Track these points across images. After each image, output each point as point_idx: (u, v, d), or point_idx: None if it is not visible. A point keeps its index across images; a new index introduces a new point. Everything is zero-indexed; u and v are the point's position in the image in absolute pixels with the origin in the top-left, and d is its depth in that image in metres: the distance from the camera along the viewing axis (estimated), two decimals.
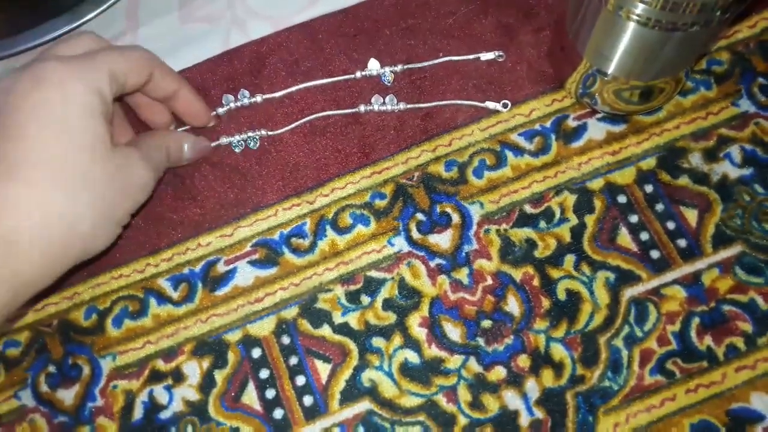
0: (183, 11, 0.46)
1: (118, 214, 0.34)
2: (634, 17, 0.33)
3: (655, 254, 0.39)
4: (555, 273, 0.39)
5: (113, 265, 0.41)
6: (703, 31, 0.34)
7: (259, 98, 0.44)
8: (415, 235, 0.40)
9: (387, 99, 0.42)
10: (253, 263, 0.40)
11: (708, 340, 0.37)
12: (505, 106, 0.42)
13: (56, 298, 0.41)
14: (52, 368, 0.40)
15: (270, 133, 0.42)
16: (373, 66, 0.43)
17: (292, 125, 0.42)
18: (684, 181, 0.40)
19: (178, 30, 0.45)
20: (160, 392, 0.39)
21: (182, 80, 0.39)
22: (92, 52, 0.34)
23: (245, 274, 0.40)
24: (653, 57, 0.37)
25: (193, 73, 0.44)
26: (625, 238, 0.39)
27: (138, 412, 0.39)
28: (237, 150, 0.42)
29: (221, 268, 0.40)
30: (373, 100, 0.42)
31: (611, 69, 0.38)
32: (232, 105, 0.44)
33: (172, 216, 0.42)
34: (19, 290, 0.31)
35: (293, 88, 0.44)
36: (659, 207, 0.40)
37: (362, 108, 0.42)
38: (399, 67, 0.43)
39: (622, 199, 0.40)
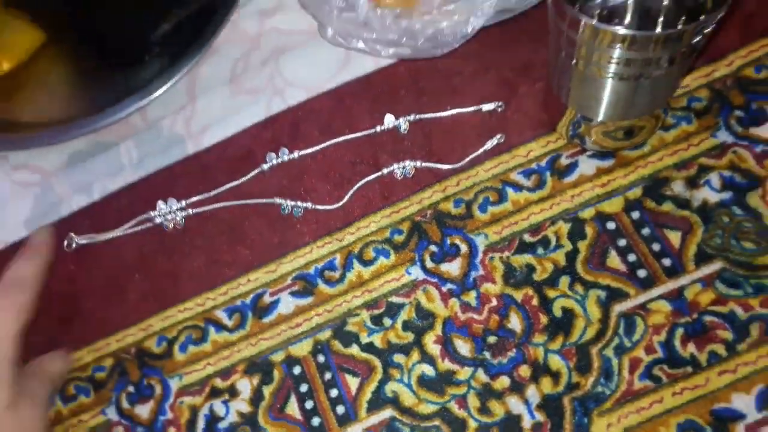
0: (232, 85, 0.53)
1: None
2: (602, 72, 0.38)
3: (641, 273, 0.43)
4: (551, 293, 0.43)
5: (180, 300, 0.48)
6: (667, 75, 0.39)
7: (296, 154, 0.50)
8: (429, 264, 0.46)
9: (406, 163, 0.48)
10: (293, 294, 0.47)
11: (691, 348, 0.41)
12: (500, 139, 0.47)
13: (134, 329, 0.48)
14: (131, 388, 0.47)
15: (313, 206, 0.48)
16: (389, 120, 0.50)
17: (343, 200, 0.49)
18: (668, 207, 0.44)
19: (228, 101, 0.53)
20: (218, 406, 0.45)
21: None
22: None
23: (287, 304, 0.46)
24: (628, 102, 0.41)
25: (241, 136, 0.52)
26: (614, 260, 0.44)
27: (201, 424, 0.45)
28: (284, 212, 0.49)
29: (267, 299, 0.47)
30: (395, 165, 0.48)
31: (593, 115, 0.43)
32: (275, 161, 0.51)
33: (226, 258, 0.49)
34: None
35: (324, 144, 0.50)
36: (645, 231, 0.44)
37: (385, 171, 0.48)
38: (412, 117, 0.49)
39: (611, 225, 0.44)
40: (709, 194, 0.44)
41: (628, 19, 0.43)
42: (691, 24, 0.34)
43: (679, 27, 0.34)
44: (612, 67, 0.37)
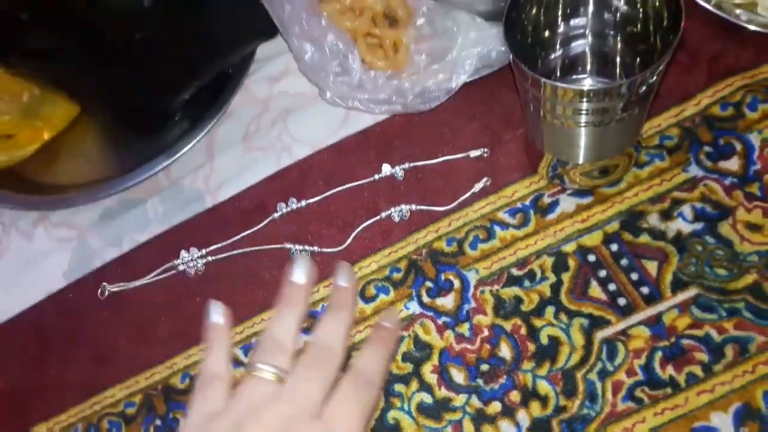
0: (245, 143, 0.59)
1: None
2: (568, 123, 0.42)
3: (621, 301, 0.46)
4: (538, 322, 0.46)
5: (201, 339, 0.53)
6: (628, 118, 0.42)
7: (303, 203, 0.55)
8: (425, 299, 0.49)
9: (402, 207, 0.52)
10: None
11: (670, 370, 0.43)
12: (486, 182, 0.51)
13: (160, 368, 0.53)
14: (158, 422, 0.51)
15: (319, 250, 0.53)
16: (386, 169, 0.54)
17: (345, 243, 0.53)
18: (644, 238, 0.47)
19: (242, 158, 0.58)
20: None
21: None
22: None
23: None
24: (598, 146, 0.45)
25: (254, 189, 0.57)
26: (595, 289, 0.47)
27: None
28: (293, 256, 0.53)
29: None
30: (392, 209, 0.52)
31: (568, 159, 0.46)
32: (284, 210, 0.55)
33: (243, 300, 0.53)
34: None
35: (328, 193, 0.55)
36: (624, 262, 0.47)
37: (383, 215, 0.52)
38: (406, 165, 0.54)
39: (591, 258, 0.48)
40: (682, 225, 0.47)
41: (588, 66, 0.47)
42: (640, 74, 0.38)
43: (626, 80, 0.38)
44: (576, 118, 0.41)
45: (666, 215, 0.48)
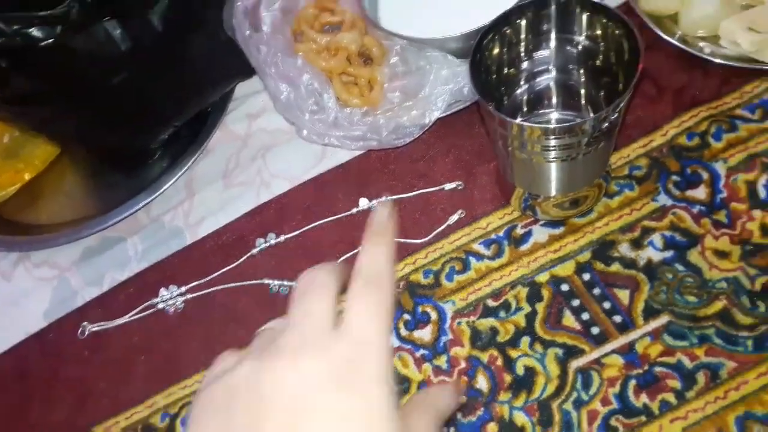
0: (225, 180, 0.59)
1: None
2: (536, 158, 0.43)
3: (595, 330, 0.46)
4: (514, 353, 0.47)
5: (181, 377, 0.52)
6: (595, 152, 0.43)
7: (282, 238, 0.55)
8: (403, 332, 0.49)
9: None
10: None
11: (644, 398, 0.43)
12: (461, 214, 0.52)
13: (141, 407, 0.52)
14: None
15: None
16: (364, 203, 0.55)
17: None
18: (615, 267, 0.48)
19: (222, 194, 0.59)
20: None
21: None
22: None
23: None
24: (567, 179, 0.46)
25: (234, 225, 0.57)
26: (569, 319, 0.47)
27: None
28: (272, 292, 0.53)
29: None
30: None
31: (538, 192, 0.47)
32: (263, 245, 0.55)
33: (222, 337, 0.53)
34: None
35: (307, 227, 0.55)
36: (596, 291, 0.47)
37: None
38: (383, 198, 0.54)
39: (564, 287, 0.48)
40: (653, 254, 0.48)
41: (554, 100, 0.48)
42: (602, 111, 0.39)
43: (589, 118, 0.39)
44: (544, 153, 0.42)
45: (636, 244, 0.48)
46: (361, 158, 0.57)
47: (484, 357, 0.47)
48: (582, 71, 0.46)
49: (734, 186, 0.48)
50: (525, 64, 0.46)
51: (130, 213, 0.60)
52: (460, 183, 0.53)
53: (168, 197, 0.60)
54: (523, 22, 0.43)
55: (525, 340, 0.47)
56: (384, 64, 0.56)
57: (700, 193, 0.49)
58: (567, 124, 0.40)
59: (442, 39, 0.52)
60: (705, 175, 0.49)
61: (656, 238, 0.48)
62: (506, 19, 0.42)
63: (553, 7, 0.43)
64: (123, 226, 0.60)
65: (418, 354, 0.48)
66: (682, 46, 0.53)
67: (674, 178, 0.50)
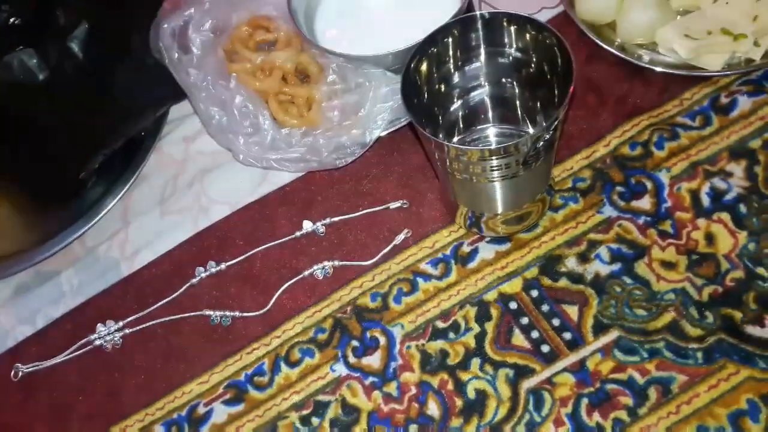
0: (161, 207, 0.56)
1: None
2: (476, 179, 0.41)
3: (545, 348, 0.45)
4: (464, 376, 0.45)
5: (121, 417, 0.49)
6: (530, 173, 0.42)
7: (223, 266, 0.53)
8: (352, 359, 0.47)
9: (325, 264, 0.50)
10: (225, 402, 0.48)
11: (597, 417, 0.42)
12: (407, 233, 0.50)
13: None
14: None
15: (240, 314, 0.50)
16: (307, 225, 0.52)
17: (267, 306, 0.51)
18: (563, 282, 0.47)
19: (158, 222, 0.56)
20: None
21: None
22: None
23: (220, 413, 0.48)
24: (508, 197, 0.44)
25: (172, 254, 0.54)
26: (519, 337, 0.45)
27: None
28: (213, 323, 0.51)
29: (201, 410, 0.48)
30: (315, 266, 0.50)
31: (480, 210, 0.46)
32: (203, 275, 0.53)
33: (162, 373, 0.50)
34: None
35: (248, 254, 0.53)
36: (545, 307, 0.46)
37: (306, 273, 0.50)
38: (327, 220, 0.52)
39: (513, 305, 0.46)
40: (600, 267, 0.46)
41: (490, 114, 0.47)
42: (536, 130, 0.37)
43: (525, 137, 0.37)
44: (485, 174, 0.40)
45: (583, 258, 0.47)
46: (304, 179, 0.55)
47: (435, 381, 0.45)
48: (515, 83, 0.45)
49: (678, 195, 0.48)
50: (456, 80, 0.45)
51: (64, 245, 0.56)
52: (405, 201, 0.52)
53: (103, 227, 0.57)
54: (450, 40, 0.42)
55: (475, 362, 0.45)
56: (322, 81, 0.53)
57: (645, 203, 0.48)
58: (502, 145, 0.38)
59: (378, 56, 0.50)
60: (649, 185, 0.48)
61: (603, 251, 0.47)
62: (433, 38, 0.41)
63: (480, 23, 0.42)
64: (57, 260, 0.56)
65: (367, 382, 0.46)
66: (621, 55, 0.52)
67: (619, 189, 0.49)
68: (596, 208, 0.48)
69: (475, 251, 0.49)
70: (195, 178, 0.57)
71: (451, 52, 0.42)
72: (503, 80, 0.45)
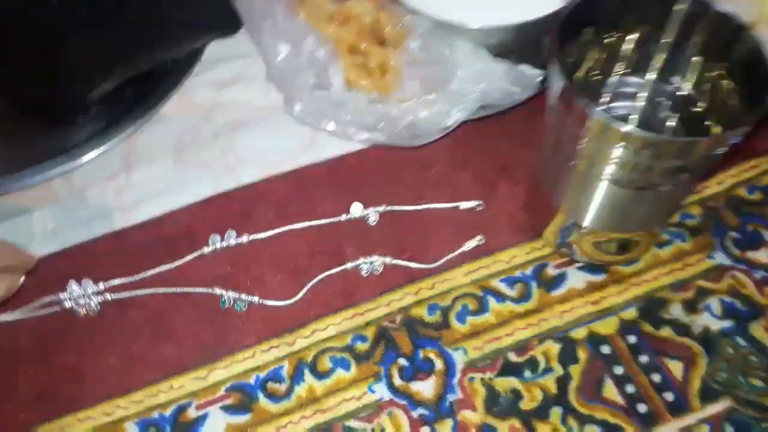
0: (176, 156, 0.45)
1: None
2: (605, 177, 0.33)
3: (642, 408, 0.36)
4: (541, 427, 0.35)
5: (82, 405, 0.37)
6: (673, 190, 0.33)
7: (245, 239, 0.42)
8: (397, 381, 0.37)
9: (374, 259, 0.40)
10: (226, 409, 0.37)
11: None
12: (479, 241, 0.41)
13: None
14: None
15: (260, 301, 0.39)
16: (356, 209, 0.42)
17: (297, 296, 0.40)
18: (666, 332, 0.38)
19: (170, 174, 0.44)
20: None
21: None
22: None
23: (216, 421, 0.36)
24: (627, 213, 0.36)
25: (182, 213, 0.43)
26: (610, 390, 0.36)
27: None
28: (224, 306, 0.40)
29: (192, 413, 0.36)
30: (361, 260, 0.40)
31: (587, 222, 0.37)
32: (218, 245, 0.42)
33: (147, 357, 0.38)
34: None
35: (280, 230, 0.42)
36: (644, 358, 0.37)
37: (349, 265, 0.40)
38: (382, 208, 0.42)
39: (605, 349, 0.37)
40: (710, 321, 0.38)
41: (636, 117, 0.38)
42: (722, 131, 0.29)
43: (708, 137, 0.29)
44: (616, 172, 0.32)
45: (691, 307, 0.39)
46: (358, 155, 0.45)
47: (503, 427, 0.35)
48: (671, 113, 0.37)
49: None
50: (613, 82, 0.36)
51: (42, 179, 0.45)
52: (479, 202, 0.42)
53: (96, 167, 0.45)
54: (634, 36, 0.34)
55: (556, 412, 0.36)
56: (401, 47, 0.44)
57: (763, 255, 0.40)
58: (677, 138, 0.30)
59: (485, 29, 0.42)
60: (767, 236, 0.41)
61: (714, 303, 0.39)
62: (614, 23, 0.33)
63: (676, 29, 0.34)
64: (31, 195, 0.44)
65: (415, 414, 0.36)
66: None
67: (733, 234, 0.41)
68: (707, 252, 0.40)
69: (562, 277, 0.40)
70: (223, 131, 0.46)
71: (626, 47, 0.34)
72: (661, 103, 0.37)
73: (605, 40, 0.35)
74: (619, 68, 0.37)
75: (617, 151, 0.30)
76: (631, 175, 0.32)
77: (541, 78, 0.42)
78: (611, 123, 0.29)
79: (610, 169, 0.32)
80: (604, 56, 0.36)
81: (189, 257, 0.41)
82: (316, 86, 0.41)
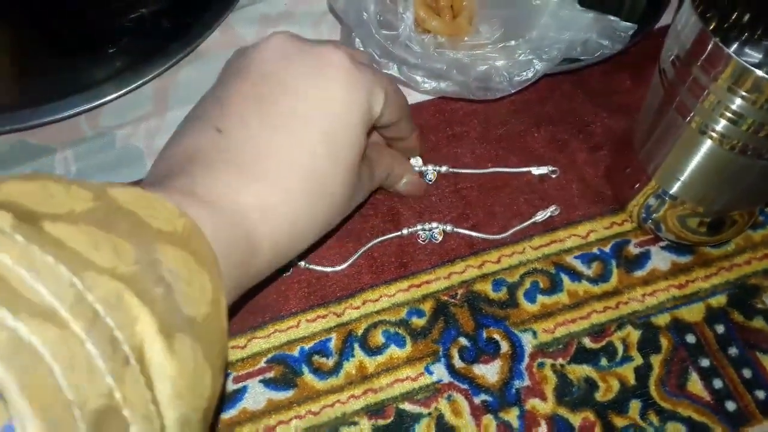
0: None
1: (329, 224, 0.28)
2: (719, 139, 0.28)
3: (730, 406, 0.31)
4: (618, 420, 0.31)
5: None
6: None
7: None
8: (458, 363, 0.33)
9: (433, 225, 0.36)
10: (266, 382, 0.32)
11: None
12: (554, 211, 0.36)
13: None
14: None
15: (306, 265, 0.35)
16: (415, 164, 0.37)
17: (347, 262, 0.35)
18: (759, 323, 0.33)
19: None
20: None
21: (416, 128, 0.35)
22: (372, 68, 0.29)
23: (256, 396, 0.32)
24: (731, 185, 0.31)
25: None
26: (696, 384, 0.32)
27: None
28: None
29: (229, 385, 0.32)
30: (419, 226, 0.36)
31: (682, 193, 0.32)
32: None
33: None
34: (243, 285, 0.25)
35: None
36: (733, 351, 0.33)
37: (405, 231, 0.36)
38: (443, 168, 0.37)
39: (691, 339, 0.33)
40: None
41: None
42: None
43: None
44: (732, 132, 0.27)
45: None
46: (421, 107, 0.40)
47: (576, 420, 0.31)
48: None
49: None
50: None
51: (65, 115, 0.40)
52: (554, 169, 0.37)
53: (126, 106, 0.40)
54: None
55: (635, 405, 0.31)
56: None
57: None
58: None
59: None
60: None
61: None
62: None
63: None
64: (53, 133, 0.39)
65: (477, 400, 0.32)
66: None
67: None
68: None
69: (645, 256, 0.35)
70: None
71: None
72: None
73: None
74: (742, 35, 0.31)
75: (743, 105, 0.26)
76: (752, 137, 0.27)
77: (632, 31, 0.37)
78: (747, 68, 0.24)
79: (727, 129, 0.27)
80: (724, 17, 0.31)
81: None
82: (382, 24, 0.36)
